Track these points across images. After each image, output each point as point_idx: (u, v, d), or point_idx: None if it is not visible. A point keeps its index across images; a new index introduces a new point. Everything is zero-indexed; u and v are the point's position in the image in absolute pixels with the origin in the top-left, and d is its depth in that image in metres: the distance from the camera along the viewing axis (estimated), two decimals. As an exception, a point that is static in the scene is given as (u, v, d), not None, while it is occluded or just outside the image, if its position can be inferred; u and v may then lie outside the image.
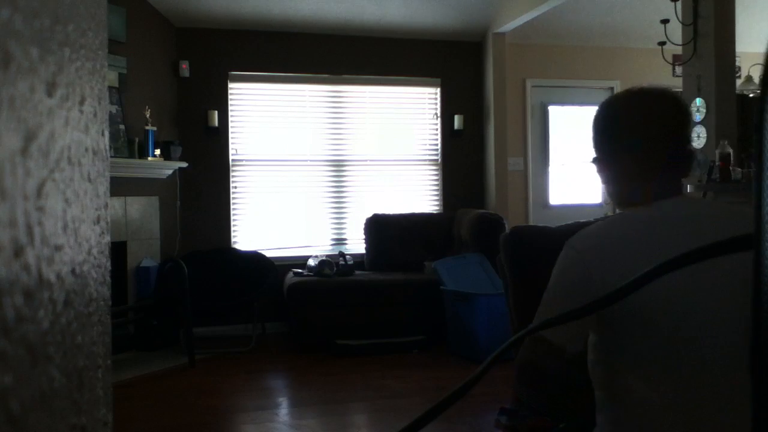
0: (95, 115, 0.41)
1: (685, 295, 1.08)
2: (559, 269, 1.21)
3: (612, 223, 1.24)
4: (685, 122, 1.25)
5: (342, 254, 5.32)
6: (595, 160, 1.30)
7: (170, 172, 5.26)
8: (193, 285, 4.68)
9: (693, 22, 4.12)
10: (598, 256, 1.16)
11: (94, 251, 0.40)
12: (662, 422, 1.06)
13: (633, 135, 1.24)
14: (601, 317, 1.13)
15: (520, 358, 1.21)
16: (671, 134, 1.23)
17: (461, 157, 6.08)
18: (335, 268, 5.09)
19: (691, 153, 1.26)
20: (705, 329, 1.06)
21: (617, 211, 1.34)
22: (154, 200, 5.16)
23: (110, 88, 4.69)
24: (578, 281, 1.15)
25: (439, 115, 6.08)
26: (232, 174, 5.65)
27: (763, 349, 0.34)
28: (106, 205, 0.43)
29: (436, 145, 6.10)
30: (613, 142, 1.26)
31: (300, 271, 5.22)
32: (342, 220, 5.94)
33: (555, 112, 6.46)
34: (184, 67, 5.48)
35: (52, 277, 0.33)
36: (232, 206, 5.65)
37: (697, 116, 4.13)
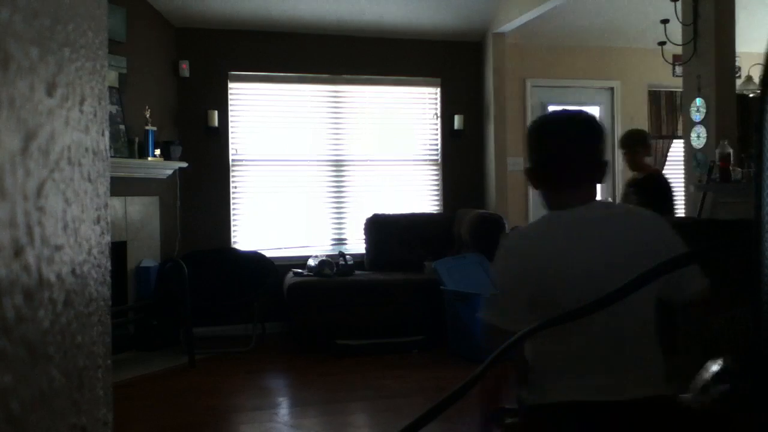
0: (95, 115, 0.41)
1: (584, 275, 1.40)
2: (496, 265, 1.55)
3: (538, 223, 1.57)
4: (594, 141, 1.52)
5: (342, 254, 5.32)
6: (526, 171, 1.58)
7: (170, 172, 5.25)
8: (193, 285, 4.67)
9: (693, 22, 4.12)
10: (523, 250, 1.50)
11: (94, 251, 0.40)
12: (571, 365, 1.43)
13: (552, 152, 1.53)
14: (532, 304, 1.44)
15: (485, 343, 1.59)
16: (582, 151, 1.51)
17: (461, 157, 6.07)
18: (335, 268, 5.09)
19: (604, 164, 1.54)
20: (592, 282, 1.35)
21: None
22: (154, 200, 5.16)
23: (110, 88, 4.69)
24: (511, 272, 1.49)
25: (439, 115, 6.07)
26: (232, 174, 5.65)
27: (763, 349, 0.34)
28: (106, 205, 0.43)
29: (436, 145, 6.10)
30: (538, 157, 1.55)
31: (300, 271, 5.22)
32: (342, 220, 5.94)
33: (555, 112, 6.46)
34: (184, 67, 5.47)
35: (52, 277, 0.33)
36: (232, 206, 5.65)
37: (697, 116, 4.13)
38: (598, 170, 1.53)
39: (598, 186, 1.58)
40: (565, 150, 1.51)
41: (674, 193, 4.16)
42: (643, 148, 4.11)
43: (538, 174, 1.55)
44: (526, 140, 1.58)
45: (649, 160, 5.66)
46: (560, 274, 1.42)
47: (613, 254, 1.42)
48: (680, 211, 5.09)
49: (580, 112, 1.57)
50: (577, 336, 1.40)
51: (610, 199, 6.54)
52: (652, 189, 3.97)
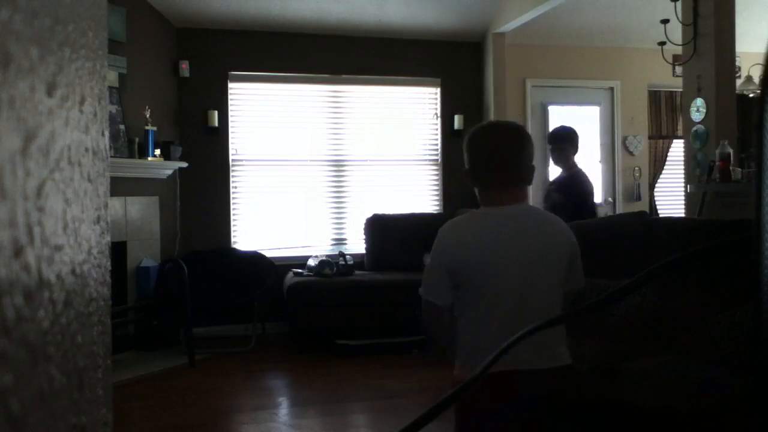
0: (95, 115, 0.41)
1: (502, 263, 1.68)
2: (432, 249, 1.76)
3: (470, 216, 1.82)
4: (519, 148, 1.76)
5: (342, 254, 5.32)
6: (464, 172, 1.82)
7: (170, 172, 5.25)
8: (193, 285, 4.67)
9: (693, 22, 4.11)
10: (453, 238, 1.73)
11: (94, 251, 0.40)
12: (487, 329, 1.69)
13: (482, 157, 1.77)
14: (454, 282, 1.70)
15: (423, 315, 1.82)
16: (507, 158, 1.75)
17: (461, 157, 6.05)
18: (335, 268, 5.09)
19: (530, 169, 1.77)
20: (502, 278, 1.67)
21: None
22: (154, 200, 5.16)
23: (110, 88, 4.69)
24: (436, 254, 1.74)
25: (439, 115, 6.08)
26: (232, 174, 5.65)
27: (763, 348, 0.34)
28: (106, 205, 0.43)
29: (436, 145, 6.10)
30: (473, 162, 1.79)
31: (300, 271, 5.22)
32: (342, 220, 5.94)
33: (555, 112, 6.46)
34: (184, 67, 5.47)
35: (52, 277, 0.33)
36: (232, 206, 5.65)
37: (697, 116, 4.12)
38: (525, 174, 1.76)
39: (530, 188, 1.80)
40: (493, 156, 1.75)
41: (594, 194, 4.05)
42: (570, 146, 3.96)
43: (472, 175, 1.80)
44: (464, 145, 1.81)
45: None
46: (483, 260, 1.68)
47: (528, 248, 1.69)
48: (680, 211, 5.09)
49: (509, 123, 1.86)
50: (498, 320, 1.68)
51: (609, 199, 6.55)
52: (575, 189, 3.88)
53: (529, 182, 1.77)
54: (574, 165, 3.99)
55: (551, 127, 6.41)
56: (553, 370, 1.67)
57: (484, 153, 1.76)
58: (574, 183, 3.92)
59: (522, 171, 1.76)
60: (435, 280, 1.74)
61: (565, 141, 3.95)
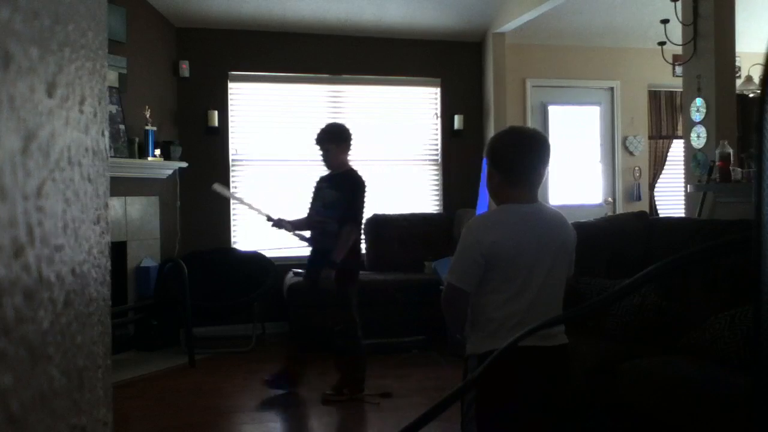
0: (95, 115, 0.41)
1: (519, 248, 1.90)
2: (461, 239, 1.96)
3: (495, 212, 2.06)
4: (543, 155, 1.98)
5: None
6: (489, 172, 2.01)
7: (170, 172, 5.25)
8: (193, 285, 4.67)
9: (693, 22, 4.11)
10: (482, 230, 1.94)
11: (94, 251, 0.40)
12: (515, 308, 1.91)
13: (523, 162, 1.95)
14: (486, 267, 1.90)
15: (446, 298, 2.00)
16: (533, 163, 1.95)
17: (461, 157, 6.07)
18: (335, 268, 5.08)
19: (545, 172, 2.00)
20: (529, 265, 1.90)
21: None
22: (154, 200, 5.16)
23: (110, 88, 4.69)
24: (470, 245, 1.92)
25: (439, 115, 6.08)
26: (232, 174, 5.65)
27: (763, 348, 0.34)
28: (106, 205, 0.43)
29: (436, 145, 6.10)
30: (498, 164, 1.98)
31: (300, 271, 5.21)
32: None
33: (555, 112, 6.46)
34: (184, 67, 5.47)
35: (52, 277, 0.33)
36: (231, 206, 5.65)
37: (697, 116, 4.12)
38: (540, 178, 2.01)
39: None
40: (532, 162, 1.96)
41: (366, 193, 3.80)
42: (335, 146, 3.73)
43: (496, 176, 2.00)
44: (489, 150, 2.03)
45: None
46: (514, 248, 1.89)
47: (548, 240, 1.94)
48: (680, 211, 5.08)
49: (535, 132, 2.06)
50: (526, 299, 1.91)
51: (609, 199, 6.55)
52: (349, 185, 3.71)
53: (540, 184, 2.02)
54: (346, 163, 3.79)
55: (551, 127, 6.44)
56: (555, 348, 1.92)
57: (525, 158, 1.96)
58: (348, 180, 3.74)
59: (538, 174, 1.99)
60: (467, 268, 1.93)
61: (327, 142, 3.73)
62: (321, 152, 3.78)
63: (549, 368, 1.93)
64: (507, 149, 1.99)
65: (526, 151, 1.97)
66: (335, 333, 3.83)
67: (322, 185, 3.86)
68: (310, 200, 3.94)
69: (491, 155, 2.02)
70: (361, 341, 3.81)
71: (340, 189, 3.72)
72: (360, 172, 3.82)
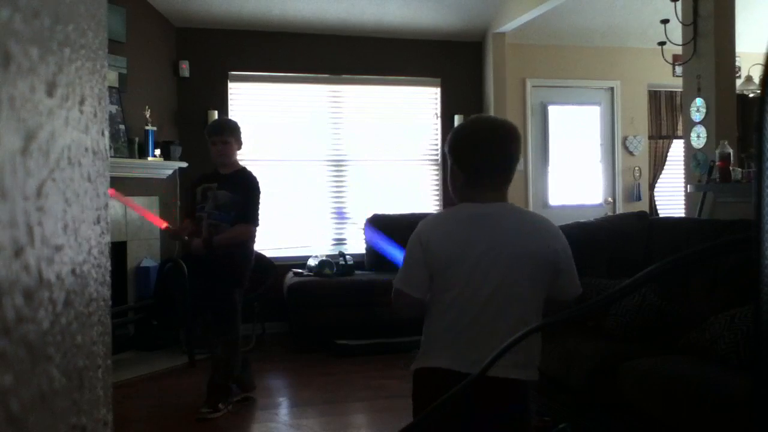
0: (95, 115, 0.41)
1: (460, 253, 1.68)
2: (410, 242, 1.76)
3: (447, 210, 1.86)
4: (510, 149, 1.73)
5: (342, 254, 5.32)
6: (453, 171, 1.78)
7: (170, 172, 5.25)
8: (193, 285, 4.67)
9: (693, 22, 4.12)
10: (425, 229, 1.74)
11: (94, 251, 0.40)
12: (452, 315, 1.69)
13: (466, 156, 1.74)
14: (430, 274, 1.71)
15: (393, 302, 1.79)
16: (493, 159, 1.72)
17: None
18: (335, 268, 5.09)
19: (512, 172, 1.76)
20: (469, 273, 1.66)
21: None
22: (154, 200, 5.16)
23: (110, 88, 4.69)
24: (413, 245, 1.73)
25: (439, 115, 6.08)
26: (232, 174, 5.65)
27: (763, 348, 0.34)
28: (106, 205, 0.43)
29: (436, 145, 6.10)
30: (456, 159, 1.75)
31: (300, 271, 5.22)
32: (342, 220, 5.94)
33: (555, 112, 6.46)
34: (184, 67, 5.47)
35: (52, 277, 0.33)
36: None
37: (697, 116, 4.13)
38: (511, 175, 1.77)
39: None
40: (477, 156, 1.73)
41: (260, 192, 3.52)
42: (236, 141, 3.50)
43: (456, 172, 1.78)
44: (448, 143, 1.79)
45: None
46: (455, 255, 1.68)
47: (501, 248, 1.67)
48: (680, 211, 5.08)
49: (497, 121, 1.81)
50: (468, 314, 1.67)
51: (609, 199, 6.54)
52: (245, 185, 3.44)
53: (508, 183, 1.77)
54: (237, 162, 3.57)
55: (551, 127, 6.44)
56: (501, 380, 1.60)
57: (471, 148, 1.74)
58: (244, 180, 3.47)
59: (504, 171, 1.75)
60: (409, 269, 1.73)
61: (228, 134, 3.47)
62: (217, 145, 3.44)
63: (487, 403, 1.61)
64: (469, 145, 1.74)
65: (491, 147, 1.72)
66: (217, 342, 3.54)
67: (211, 185, 3.49)
68: (196, 202, 3.54)
69: (453, 152, 1.77)
70: (239, 350, 3.60)
71: (235, 190, 3.43)
72: (254, 172, 3.55)
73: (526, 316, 1.66)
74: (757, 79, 5.82)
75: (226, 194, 3.44)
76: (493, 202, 1.72)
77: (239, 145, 3.54)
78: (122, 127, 4.83)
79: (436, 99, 6.09)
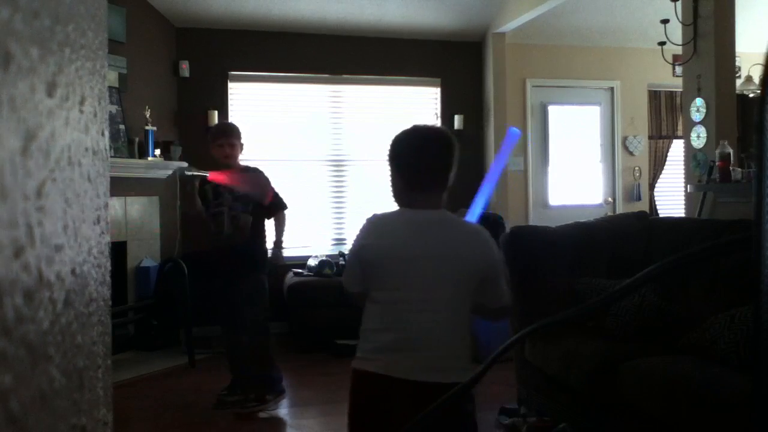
0: (95, 115, 0.41)
1: (390, 256, 1.73)
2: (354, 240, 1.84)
3: (389, 214, 1.86)
4: (439, 156, 1.79)
5: (342, 254, 5.32)
6: (392, 177, 1.85)
7: (170, 172, 5.25)
8: (193, 285, 4.67)
9: (693, 22, 4.12)
10: (364, 230, 1.81)
11: (94, 251, 0.40)
12: (381, 316, 1.73)
13: (401, 163, 1.80)
14: (363, 271, 1.78)
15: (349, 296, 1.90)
16: (419, 167, 1.78)
17: (461, 157, 6.02)
18: (335, 268, 5.09)
19: (446, 179, 1.80)
20: (396, 277, 1.71)
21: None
22: (154, 200, 5.16)
23: (110, 88, 4.69)
24: (354, 243, 1.83)
25: (439, 115, 6.08)
26: (232, 174, 5.65)
27: (763, 348, 0.34)
28: (106, 205, 0.44)
29: (436, 145, 6.10)
30: (393, 165, 1.83)
31: (300, 271, 5.22)
32: (342, 220, 5.94)
33: (555, 112, 6.46)
34: (184, 67, 5.47)
35: (52, 277, 0.33)
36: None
37: (697, 116, 4.13)
38: (440, 181, 1.79)
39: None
40: (411, 163, 1.79)
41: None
42: (240, 144, 3.58)
43: (394, 178, 1.85)
44: (391, 151, 1.85)
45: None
46: (382, 257, 1.73)
47: (424, 255, 1.70)
48: (680, 211, 5.08)
49: (431, 129, 1.87)
50: (392, 318, 1.70)
51: (609, 199, 6.54)
52: (264, 183, 3.52)
53: (442, 190, 1.80)
54: (240, 164, 3.61)
55: (551, 127, 6.44)
56: (421, 384, 1.62)
57: (402, 156, 1.81)
58: (256, 172, 3.54)
59: (437, 178, 1.78)
60: (350, 267, 1.83)
61: (238, 137, 3.56)
62: (224, 147, 3.49)
63: (401, 406, 1.62)
64: (405, 153, 1.80)
65: (426, 155, 1.78)
66: (249, 330, 3.58)
67: (224, 191, 3.53)
68: (207, 200, 3.56)
69: (389, 160, 1.84)
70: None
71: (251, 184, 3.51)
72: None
73: (450, 322, 1.70)
74: (757, 79, 5.82)
75: (239, 206, 3.55)
76: (427, 209, 1.77)
77: (242, 147, 3.62)
78: (122, 127, 4.83)
79: (436, 99, 6.09)
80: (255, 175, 3.58)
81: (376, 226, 1.81)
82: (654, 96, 6.74)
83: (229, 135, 3.55)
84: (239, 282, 3.55)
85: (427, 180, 1.78)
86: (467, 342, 1.75)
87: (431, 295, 1.69)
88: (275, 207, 3.62)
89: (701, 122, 4.10)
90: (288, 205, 3.72)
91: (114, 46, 4.73)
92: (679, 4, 4.20)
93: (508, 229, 5.13)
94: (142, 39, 5.12)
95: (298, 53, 5.74)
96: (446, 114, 6.05)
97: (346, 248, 5.71)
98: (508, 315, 1.86)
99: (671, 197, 6.67)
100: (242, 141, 3.62)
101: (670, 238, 3.21)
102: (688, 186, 4.19)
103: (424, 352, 1.66)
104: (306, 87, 5.82)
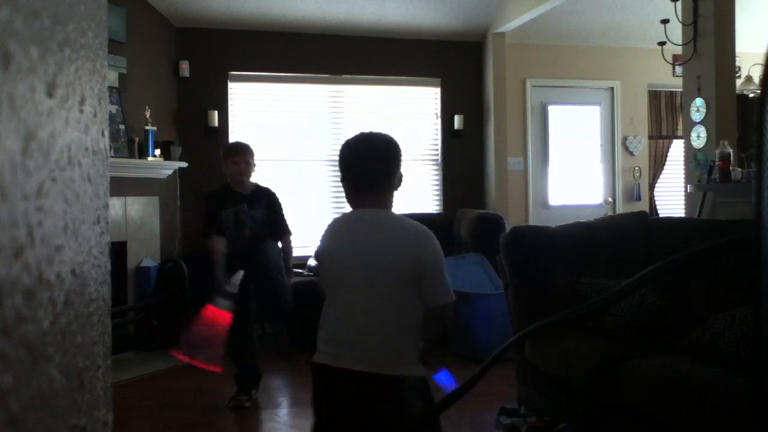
0: (95, 115, 0.41)
1: (336, 257, 1.86)
2: None
3: (345, 215, 1.98)
4: (379, 160, 1.87)
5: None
6: (341, 180, 1.94)
7: (170, 172, 5.25)
8: (193, 285, 4.67)
9: (693, 22, 4.12)
10: (327, 232, 1.94)
11: (94, 251, 0.40)
12: (336, 308, 1.84)
13: (346, 166, 1.90)
14: (319, 270, 1.94)
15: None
16: (369, 168, 1.86)
17: (461, 157, 6.07)
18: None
19: (385, 177, 1.87)
20: (338, 277, 1.83)
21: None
22: (154, 200, 5.16)
23: (110, 88, 4.69)
24: (318, 246, 1.93)
25: (439, 115, 6.08)
26: (232, 174, 5.65)
27: (763, 348, 0.34)
28: (106, 205, 0.43)
29: (436, 145, 6.10)
30: (340, 168, 1.93)
31: (300, 271, 5.21)
32: (342, 220, 5.94)
33: (555, 112, 6.46)
34: (184, 67, 5.47)
35: (52, 277, 0.33)
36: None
37: (697, 116, 4.13)
38: (375, 182, 1.88)
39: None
40: (347, 164, 1.90)
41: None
42: (253, 161, 3.73)
43: (347, 183, 1.92)
44: (339, 155, 1.94)
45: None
46: (330, 256, 1.87)
47: (363, 253, 1.80)
48: (680, 211, 5.08)
49: (368, 135, 1.93)
50: (337, 316, 1.83)
51: (609, 199, 6.55)
52: (275, 202, 3.76)
53: (383, 190, 1.88)
54: (250, 181, 3.74)
55: (551, 127, 6.44)
56: (355, 373, 1.74)
57: (342, 161, 1.92)
58: (271, 197, 3.76)
59: (371, 179, 1.87)
60: (317, 268, 1.96)
61: (250, 155, 3.70)
62: (239, 164, 3.63)
63: (344, 395, 1.81)
64: (350, 157, 1.90)
65: (367, 159, 1.88)
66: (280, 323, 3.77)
67: (239, 207, 3.66)
68: (226, 226, 3.66)
69: (339, 163, 1.94)
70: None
71: (265, 207, 3.72)
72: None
73: (390, 316, 1.77)
74: (757, 79, 5.82)
75: (262, 213, 3.70)
76: (373, 209, 1.87)
77: (254, 167, 3.76)
78: (122, 127, 4.83)
79: (436, 99, 6.09)
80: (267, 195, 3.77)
81: (331, 227, 1.95)
82: (654, 96, 6.74)
83: (245, 153, 3.70)
84: (266, 247, 3.73)
85: (370, 182, 1.87)
86: (412, 336, 1.81)
87: (370, 291, 1.78)
88: (281, 230, 3.78)
89: (701, 122, 4.10)
90: (292, 232, 3.87)
91: (114, 46, 4.73)
92: (679, 4, 4.20)
93: (508, 230, 5.14)
94: (142, 39, 5.12)
95: (298, 53, 5.74)
96: (446, 114, 6.05)
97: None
98: (448, 317, 1.94)
99: (671, 197, 6.67)
100: (255, 162, 3.76)
101: (670, 238, 3.21)
102: (688, 186, 4.19)
103: (364, 345, 1.77)
104: (306, 87, 5.82)
